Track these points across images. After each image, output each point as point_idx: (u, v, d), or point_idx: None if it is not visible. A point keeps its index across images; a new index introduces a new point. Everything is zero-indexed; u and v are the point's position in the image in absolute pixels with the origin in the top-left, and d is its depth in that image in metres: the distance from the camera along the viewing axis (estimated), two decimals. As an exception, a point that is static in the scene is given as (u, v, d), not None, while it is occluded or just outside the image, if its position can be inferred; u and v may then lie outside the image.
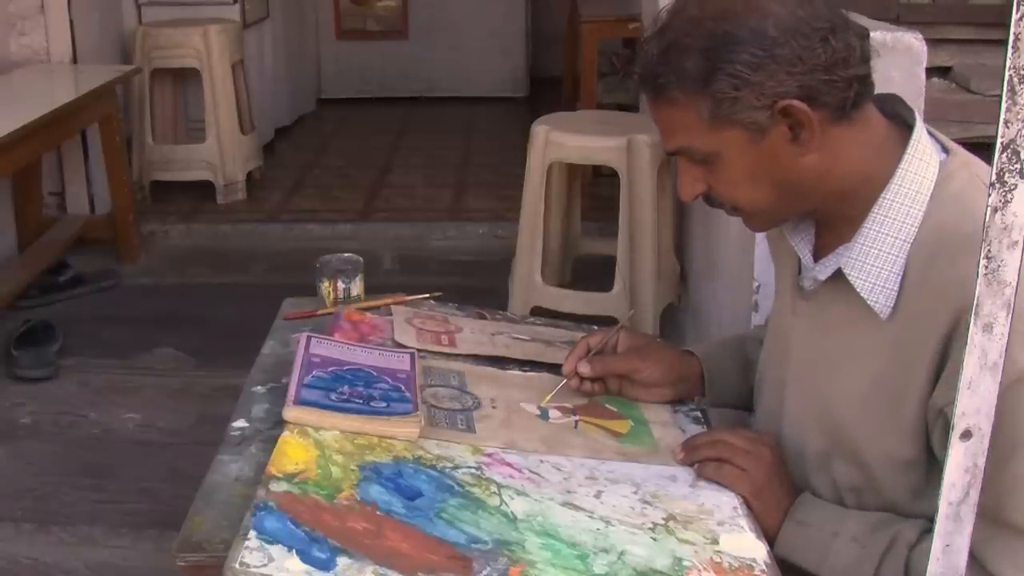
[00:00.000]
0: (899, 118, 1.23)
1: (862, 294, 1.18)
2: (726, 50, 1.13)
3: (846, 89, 1.15)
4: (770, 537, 1.21)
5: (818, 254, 1.27)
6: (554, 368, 1.53)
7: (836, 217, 1.23)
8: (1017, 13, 0.72)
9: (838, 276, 1.22)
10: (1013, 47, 0.73)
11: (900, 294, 1.16)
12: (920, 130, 1.20)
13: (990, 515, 1.06)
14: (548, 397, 1.43)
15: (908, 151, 1.18)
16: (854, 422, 1.21)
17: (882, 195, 1.18)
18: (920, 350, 1.13)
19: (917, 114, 1.23)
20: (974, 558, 1.08)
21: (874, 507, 1.22)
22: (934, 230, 1.15)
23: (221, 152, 4.63)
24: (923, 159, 1.18)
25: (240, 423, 1.39)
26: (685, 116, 1.18)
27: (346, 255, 1.79)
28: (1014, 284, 0.79)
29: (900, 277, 1.16)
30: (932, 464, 1.16)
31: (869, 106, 1.20)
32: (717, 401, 1.51)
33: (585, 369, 1.43)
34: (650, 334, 1.54)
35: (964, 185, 1.17)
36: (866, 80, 1.18)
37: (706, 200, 1.27)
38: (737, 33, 1.13)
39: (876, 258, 1.17)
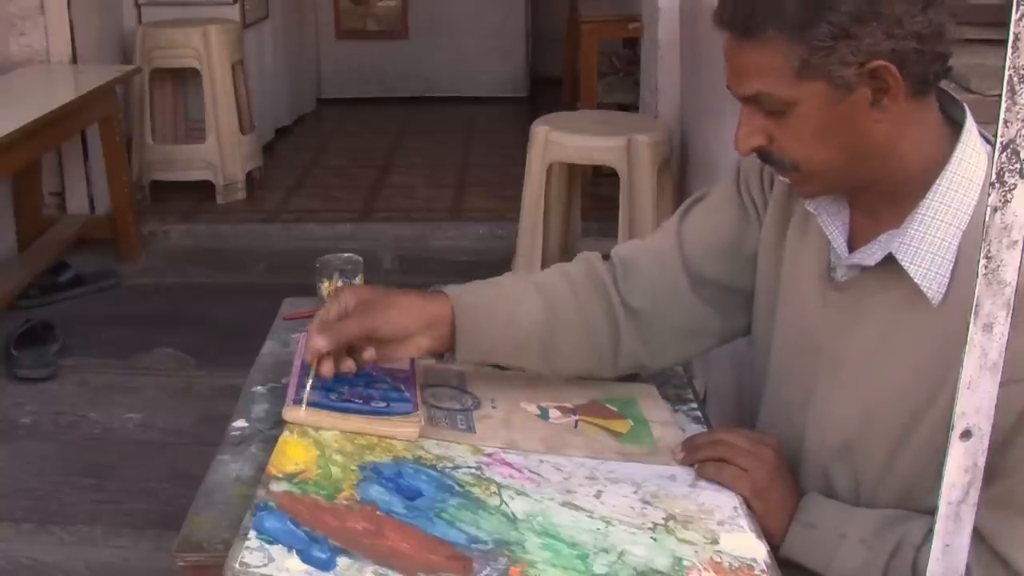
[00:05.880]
0: (946, 110, 1.22)
1: (915, 279, 1.16)
2: None
3: (932, 64, 1.14)
4: (773, 538, 1.20)
5: (852, 243, 1.26)
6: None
7: (880, 201, 1.21)
8: (1017, 13, 0.72)
9: (880, 264, 1.20)
10: (1013, 47, 0.73)
11: (950, 282, 1.15)
12: (972, 121, 1.19)
13: (1002, 500, 1.07)
14: (308, 389, 1.27)
15: (962, 140, 1.17)
16: (891, 411, 1.19)
17: (937, 182, 1.16)
18: (964, 339, 1.13)
19: (967, 108, 1.21)
20: (983, 542, 1.09)
21: (889, 497, 1.21)
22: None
23: (221, 152, 4.62)
24: (975, 149, 1.17)
25: (240, 423, 1.38)
26: (773, 59, 1.14)
27: (346, 255, 1.79)
28: (1014, 284, 0.79)
29: (952, 264, 1.15)
30: None
31: (934, 91, 1.19)
32: (471, 355, 1.38)
33: (321, 343, 1.26)
34: (381, 285, 1.39)
35: None
36: (947, 61, 1.16)
37: (760, 155, 1.23)
38: None
39: (930, 244, 1.16)
